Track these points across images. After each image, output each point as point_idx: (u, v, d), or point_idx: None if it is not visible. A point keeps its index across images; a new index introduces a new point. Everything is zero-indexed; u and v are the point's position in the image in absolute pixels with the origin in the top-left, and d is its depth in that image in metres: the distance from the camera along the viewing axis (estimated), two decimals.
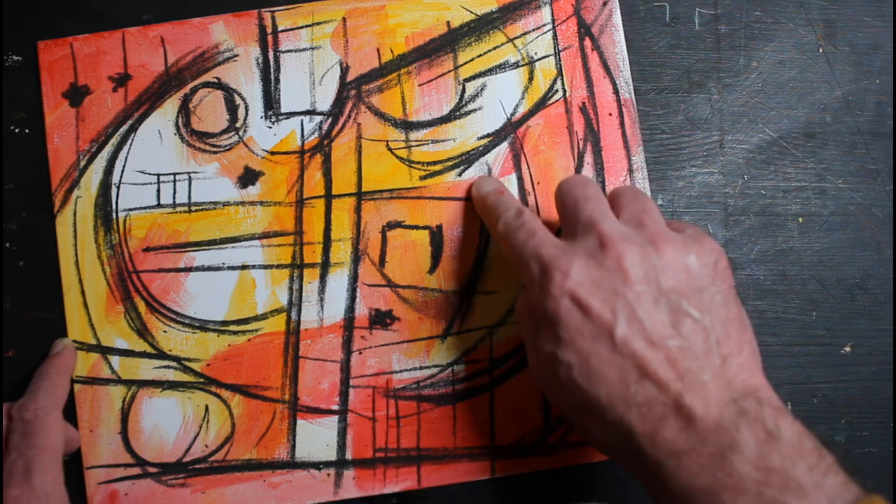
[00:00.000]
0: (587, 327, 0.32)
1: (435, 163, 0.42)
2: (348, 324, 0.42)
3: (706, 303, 0.33)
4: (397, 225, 0.42)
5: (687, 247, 0.34)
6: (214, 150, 0.42)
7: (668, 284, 0.33)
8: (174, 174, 0.42)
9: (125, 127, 0.42)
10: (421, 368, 0.41)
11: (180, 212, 0.42)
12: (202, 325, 0.41)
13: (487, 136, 0.43)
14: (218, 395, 0.41)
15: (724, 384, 0.31)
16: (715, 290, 0.33)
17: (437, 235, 0.42)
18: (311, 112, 0.42)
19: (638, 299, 0.32)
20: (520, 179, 0.42)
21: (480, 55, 0.43)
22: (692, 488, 0.30)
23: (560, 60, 0.43)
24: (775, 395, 0.32)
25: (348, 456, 0.41)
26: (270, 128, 0.42)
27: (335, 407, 0.41)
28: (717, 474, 0.29)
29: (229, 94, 0.42)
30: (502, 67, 0.43)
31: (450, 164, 0.42)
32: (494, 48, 0.43)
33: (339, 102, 0.42)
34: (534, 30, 0.43)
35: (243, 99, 0.42)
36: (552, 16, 0.43)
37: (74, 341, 0.41)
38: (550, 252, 0.34)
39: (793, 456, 0.29)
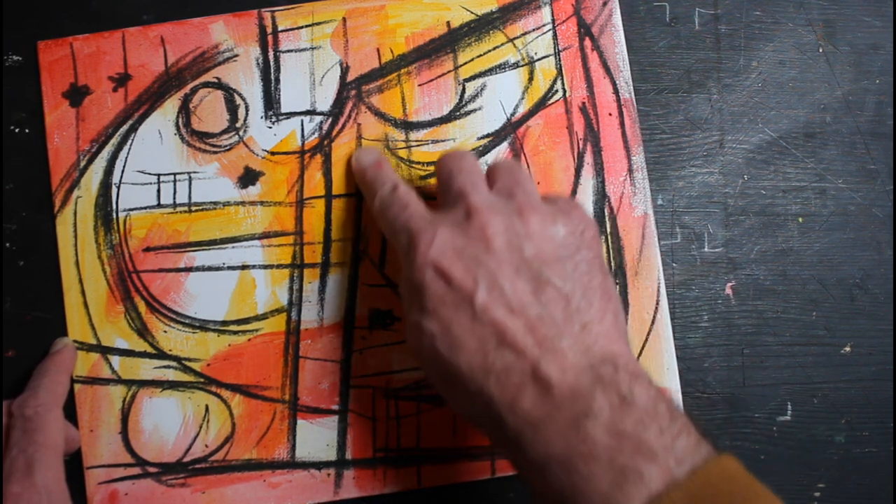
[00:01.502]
0: (449, 296, 0.32)
1: (435, 163, 0.42)
2: (348, 324, 0.42)
3: (569, 271, 0.33)
4: None
5: (553, 217, 0.34)
6: (214, 150, 0.42)
7: (531, 253, 0.33)
8: (174, 174, 0.42)
9: (125, 127, 0.42)
10: (421, 369, 0.41)
11: (180, 212, 0.42)
12: (202, 325, 0.41)
13: (487, 136, 0.43)
14: (218, 395, 0.41)
15: (583, 351, 0.31)
16: (579, 259, 0.33)
17: None
18: (312, 112, 0.42)
19: (500, 267, 0.32)
20: None
21: (480, 55, 0.43)
22: (548, 456, 0.30)
23: (560, 60, 0.43)
24: (635, 361, 0.32)
25: (348, 456, 0.41)
26: (270, 128, 0.42)
27: (335, 407, 0.41)
28: (571, 441, 0.29)
29: (229, 94, 0.42)
30: (502, 67, 0.43)
31: None
32: (494, 48, 0.43)
33: (340, 102, 0.43)
34: (534, 30, 0.43)
35: (243, 99, 0.42)
36: (552, 16, 0.43)
37: (74, 341, 0.41)
38: (418, 224, 0.34)
39: (644, 420, 0.29)
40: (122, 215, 0.42)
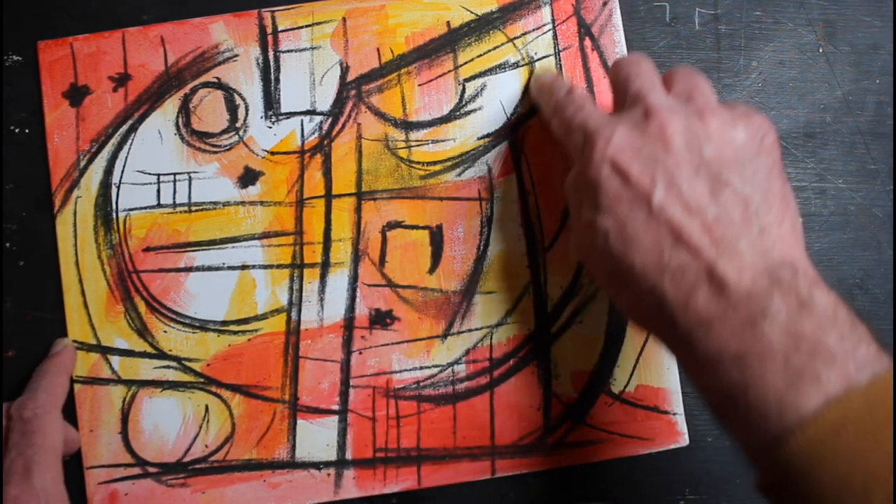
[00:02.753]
0: (626, 193, 0.32)
1: (435, 163, 0.42)
2: (348, 324, 0.42)
3: (748, 174, 0.32)
4: (397, 225, 0.42)
5: (734, 120, 0.33)
6: (214, 150, 0.42)
7: (710, 154, 0.32)
8: (174, 174, 0.42)
9: (125, 127, 0.42)
10: (421, 368, 0.41)
11: (180, 212, 0.42)
12: (202, 325, 0.41)
13: (487, 136, 0.43)
14: (218, 395, 0.41)
15: (760, 254, 0.31)
16: (759, 163, 0.33)
17: (437, 235, 0.42)
18: (312, 112, 0.42)
19: (678, 167, 0.32)
20: (520, 179, 0.42)
21: (480, 55, 0.43)
22: (720, 353, 0.30)
23: (560, 60, 0.43)
24: (813, 267, 0.31)
25: (348, 456, 0.41)
26: (270, 128, 0.42)
27: (335, 407, 0.41)
28: (746, 339, 0.29)
29: (229, 94, 0.42)
30: (502, 67, 0.43)
31: (450, 164, 0.42)
32: (494, 48, 0.43)
33: (339, 102, 0.43)
34: (534, 30, 0.43)
35: (243, 99, 0.42)
36: (552, 16, 0.43)
37: (74, 341, 0.41)
38: (595, 122, 0.34)
39: (824, 324, 0.29)
40: (121, 215, 0.42)
